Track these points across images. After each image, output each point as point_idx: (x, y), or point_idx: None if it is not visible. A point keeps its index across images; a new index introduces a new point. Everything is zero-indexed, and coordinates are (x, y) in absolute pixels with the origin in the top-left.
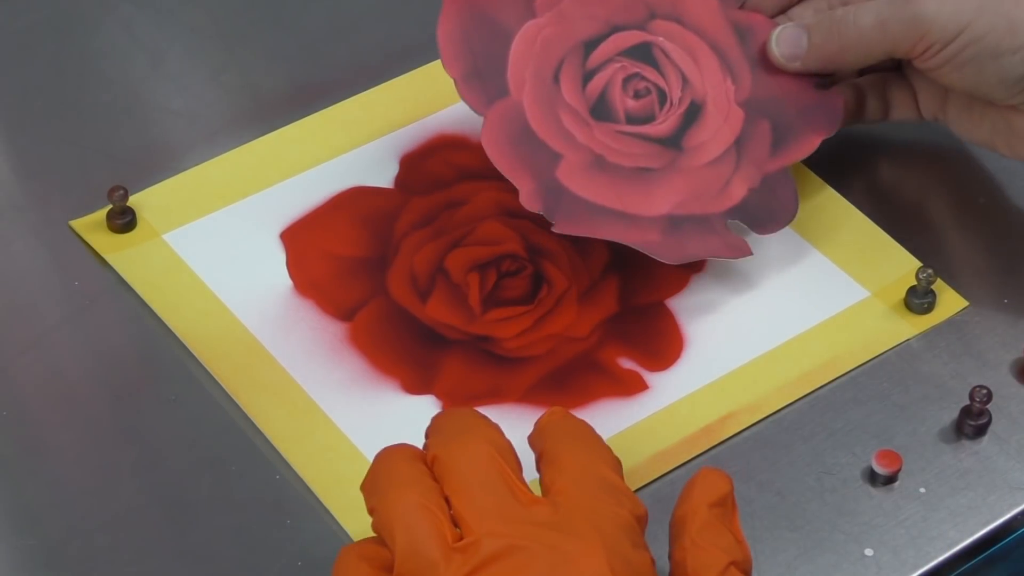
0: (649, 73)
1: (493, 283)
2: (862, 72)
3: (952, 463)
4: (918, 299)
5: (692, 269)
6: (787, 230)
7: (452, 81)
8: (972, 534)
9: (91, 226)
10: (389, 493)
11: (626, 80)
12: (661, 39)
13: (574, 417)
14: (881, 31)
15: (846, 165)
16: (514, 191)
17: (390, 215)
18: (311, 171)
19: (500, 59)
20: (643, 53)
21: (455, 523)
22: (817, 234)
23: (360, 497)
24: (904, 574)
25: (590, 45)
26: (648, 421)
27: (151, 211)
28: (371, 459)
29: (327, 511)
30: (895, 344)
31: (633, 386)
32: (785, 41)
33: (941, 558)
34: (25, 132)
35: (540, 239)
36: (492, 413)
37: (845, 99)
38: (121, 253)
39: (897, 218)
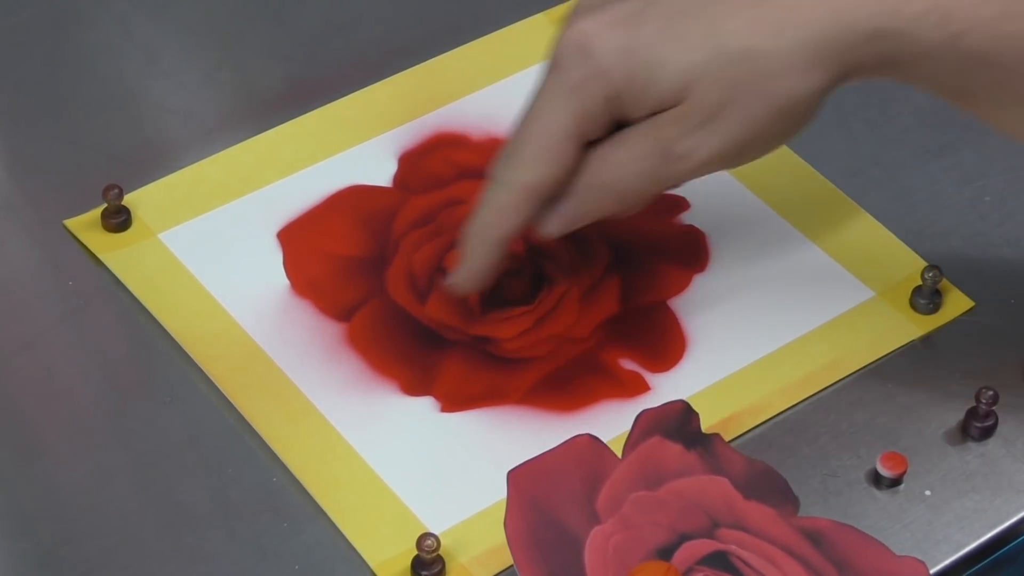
0: None
1: (493, 283)
2: None
3: (958, 465)
4: (924, 299)
5: (694, 269)
6: (791, 229)
7: (451, 79)
8: (978, 537)
9: (85, 225)
10: None
11: None
12: (734, 547)
13: None
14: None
15: (851, 164)
16: None
17: (388, 214)
18: (308, 169)
19: (576, 568)
20: (722, 562)
21: None
22: (822, 233)
23: (358, 499)
24: None
25: (663, 554)
26: None
27: (146, 210)
28: (369, 462)
29: (325, 514)
30: (900, 345)
31: (635, 387)
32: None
33: (947, 562)
34: (19, 130)
35: (540, 238)
36: (492, 415)
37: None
38: (116, 253)
39: (902, 217)
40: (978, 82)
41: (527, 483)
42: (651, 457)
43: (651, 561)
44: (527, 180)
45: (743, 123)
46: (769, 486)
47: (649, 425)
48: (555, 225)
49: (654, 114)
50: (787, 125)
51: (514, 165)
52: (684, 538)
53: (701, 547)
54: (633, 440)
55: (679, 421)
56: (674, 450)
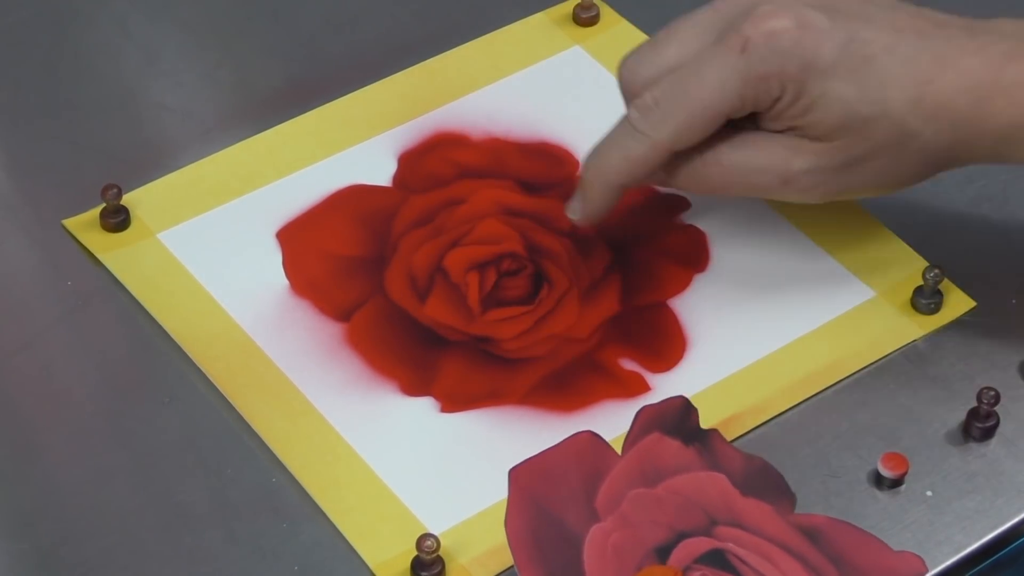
0: None
1: (493, 283)
2: None
3: (959, 466)
4: (925, 299)
5: (695, 268)
6: (792, 229)
7: (451, 78)
8: (980, 538)
9: (84, 225)
10: None
11: None
12: (731, 545)
13: None
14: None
15: None
16: (513, 189)
17: (388, 214)
18: (308, 169)
19: (575, 567)
20: (719, 560)
21: None
22: (823, 233)
23: (357, 500)
24: None
25: (662, 552)
26: None
27: (145, 210)
28: (369, 462)
29: (324, 515)
30: (901, 345)
31: (635, 387)
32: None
33: (948, 562)
34: (17, 129)
35: (541, 238)
36: (492, 415)
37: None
38: (114, 252)
39: (904, 217)
40: None
41: (528, 481)
42: (650, 453)
43: (654, 567)
44: (671, 141)
45: (867, 178)
46: (766, 482)
47: (649, 421)
48: (651, 183)
49: (791, 128)
50: (894, 190)
51: (662, 121)
52: (682, 536)
53: (699, 545)
54: (633, 436)
55: (678, 417)
56: (672, 446)
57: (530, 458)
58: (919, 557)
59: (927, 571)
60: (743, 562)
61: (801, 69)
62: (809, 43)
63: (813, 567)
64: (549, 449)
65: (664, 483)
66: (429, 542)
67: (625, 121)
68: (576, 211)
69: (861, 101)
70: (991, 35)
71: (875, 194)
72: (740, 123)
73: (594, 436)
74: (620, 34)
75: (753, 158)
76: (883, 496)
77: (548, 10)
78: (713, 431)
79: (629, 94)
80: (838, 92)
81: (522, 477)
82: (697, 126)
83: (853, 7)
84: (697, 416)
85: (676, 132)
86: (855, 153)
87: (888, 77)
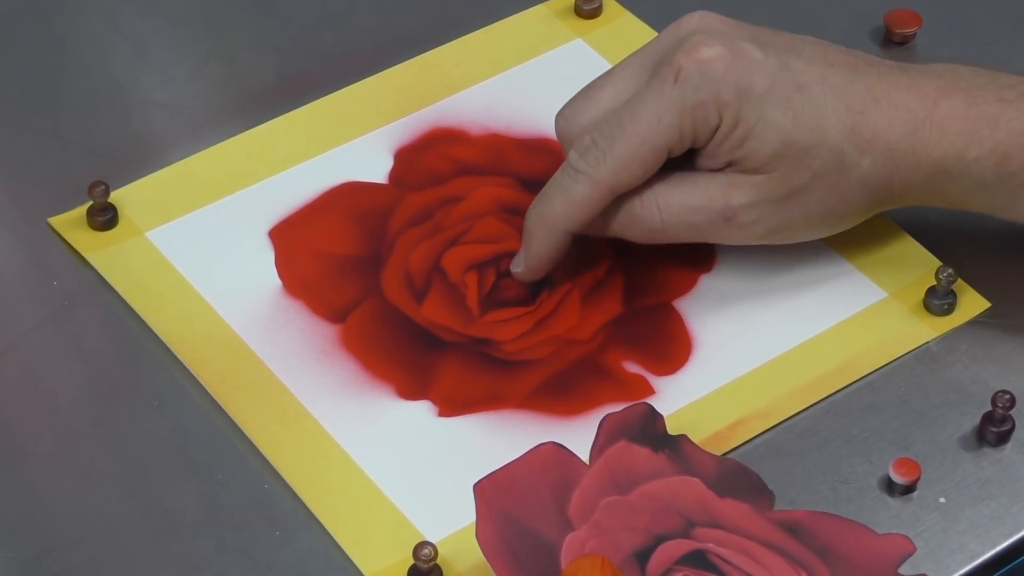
0: None
1: (492, 283)
2: None
3: (973, 472)
4: (938, 300)
5: (701, 269)
6: None
7: (449, 72)
8: (994, 546)
9: (71, 223)
10: None
11: None
12: (712, 545)
13: None
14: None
15: None
16: (513, 186)
17: (384, 212)
18: (301, 166)
19: (553, 574)
20: (700, 561)
21: None
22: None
23: (352, 507)
24: None
25: (640, 556)
26: None
27: (133, 207)
28: (364, 468)
29: (318, 522)
30: (914, 347)
31: (639, 391)
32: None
33: (962, 571)
34: (1, 124)
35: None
36: (491, 419)
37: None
38: (102, 251)
39: (917, 216)
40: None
41: (494, 494)
42: (619, 462)
43: (583, 557)
44: (614, 180)
45: (809, 210)
46: (742, 482)
47: (614, 430)
48: (591, 231)
49: (729, 163)
50: (837, 227)
51: (601, 159)
52: (660, 540)
53: (678, 547)
54: (599, 445)
55: (644, 424)
56: (642, 454)
57: (493, 472)
58: (906, 537)
59: (915, 549)
60: (725, 561)
61: (736, 96)
62: (742, 70)
63: (798, 561)
64: (513, 462)
65: (637, 490)
66: (426, 550)
67: (565, 165)
68: (519, 263)
69: (798, 129)
70: (924, 74)
71: (818, 234)
72: (678, 165)
73: (558, 447)
74: (624, 27)
75: (692, 197)
76: (895, 503)
77: (549, 2)
78: (682, 436)
79: (567, 143)
80: (774, 119)
81: (487, 491)
82: (636, 161)
83: (784, 41)
84: (663, 423)
85: (616, 169)
86: (795, 184)
87: (822, 106)
